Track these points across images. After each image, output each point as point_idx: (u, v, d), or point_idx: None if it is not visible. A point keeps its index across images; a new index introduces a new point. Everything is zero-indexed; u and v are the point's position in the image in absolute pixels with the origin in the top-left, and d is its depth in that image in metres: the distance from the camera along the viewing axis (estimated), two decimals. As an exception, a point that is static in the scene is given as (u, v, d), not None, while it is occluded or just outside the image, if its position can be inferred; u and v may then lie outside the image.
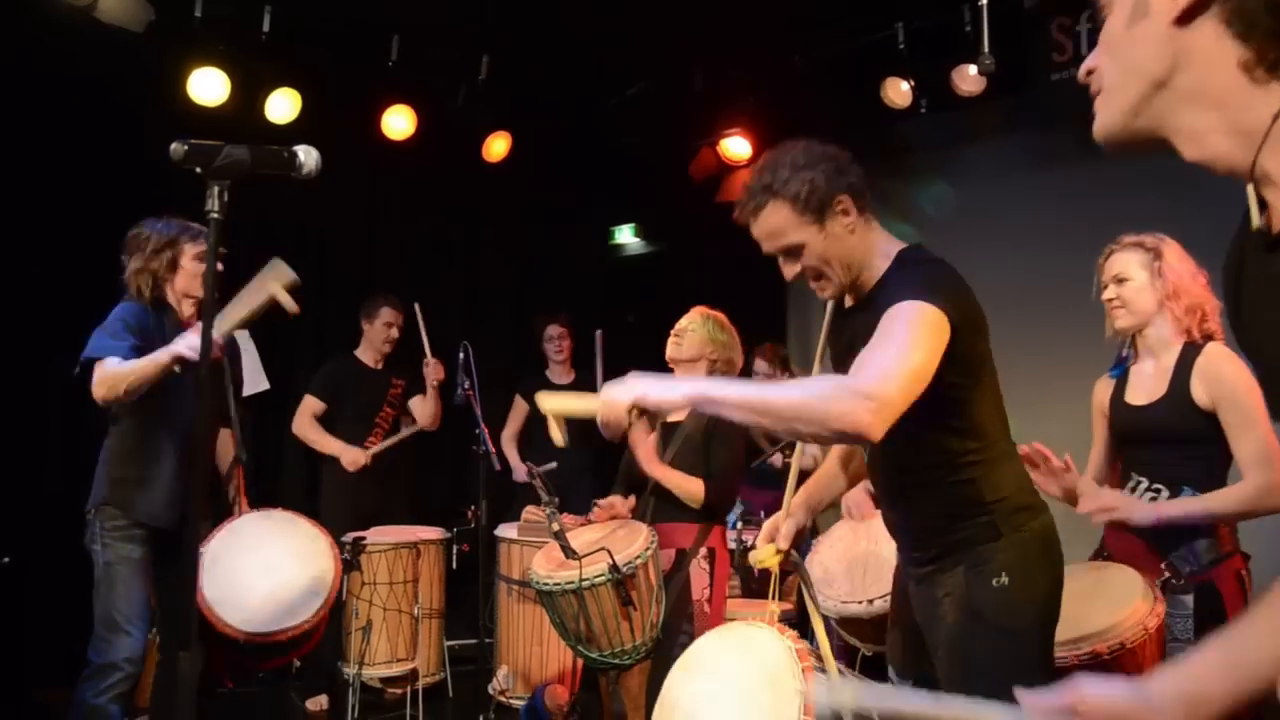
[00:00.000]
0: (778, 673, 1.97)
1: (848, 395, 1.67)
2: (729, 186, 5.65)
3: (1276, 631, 1.05)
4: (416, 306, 4.65)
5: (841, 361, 2.11)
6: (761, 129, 5.31)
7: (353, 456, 4.62)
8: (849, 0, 4.52)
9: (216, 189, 1.70)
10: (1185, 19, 0.93)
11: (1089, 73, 1.04)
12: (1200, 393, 2.51)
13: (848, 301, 2.12)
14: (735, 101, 5.31)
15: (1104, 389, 2.82)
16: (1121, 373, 2.77)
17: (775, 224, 1.98)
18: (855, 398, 1.67)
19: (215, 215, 1.72)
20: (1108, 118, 1.01)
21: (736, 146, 5.52)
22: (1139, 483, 2.63)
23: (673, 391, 1.78)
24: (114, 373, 2.98)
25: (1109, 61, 1.00)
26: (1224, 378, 2.48)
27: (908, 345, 1.76)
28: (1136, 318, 2.63)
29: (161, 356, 2.94)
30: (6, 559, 4.18)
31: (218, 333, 2.77)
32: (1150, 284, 2.60)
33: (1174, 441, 2.55)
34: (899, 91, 4.72)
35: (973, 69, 4.41)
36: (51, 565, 4.19)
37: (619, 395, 1.77)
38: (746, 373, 4.94)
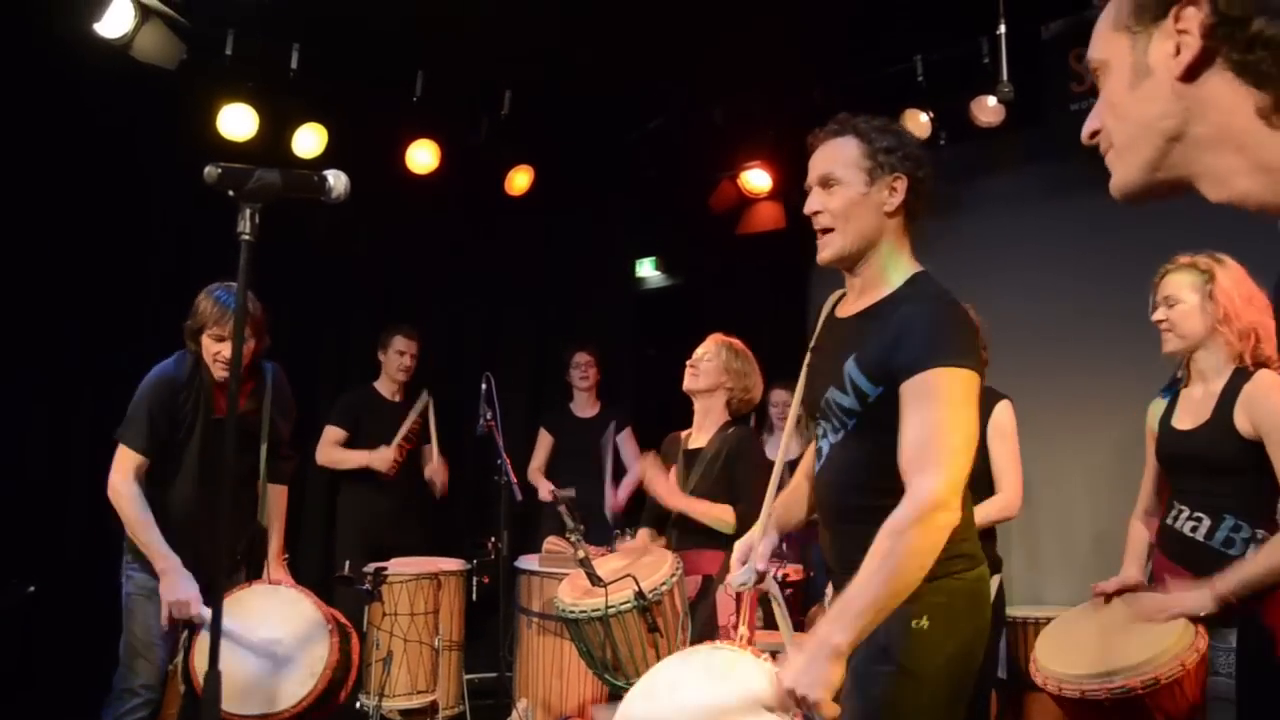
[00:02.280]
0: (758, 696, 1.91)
1: (927, 527, 1.74)
2: (750, 219, 5.68)
3: None
4: (429, 404, 4.71)
5: (820, 370, 2.09)
6: (782, 161, 5.35)
7: (382, 456, 4.68)
8: (868, 33, 4.56)
9: (248, 211, 1.73)
10: (1190, 76, 0.94)
11: (1093, 135, 1.05)
12: (1243, 420, 2.46)
13: (843, 310, 2.11)
14: (755, 134, 5.34)
15: (1155, 411, 2.76)
16: (1172, 395, 2.71)
17: (836, 153, 2.00)
18: (932, 520, 1.74)
19: (247, 237, 1.75)
20: (1125, 176, 1.02)
21: (757, 179, 5.55)
22: (1180, 511, 2.58)
23: (831, 673, 1.69)
24: (123, 499, 3.09)
25: (1115, 122, 1.01)
26: (1269, 406, 2.43)
27: (949, 425, 1.79)
28: (1185, 341, 2.59)
29: (160, 575, 3.03)
30: (31, 588, 4.21)
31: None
32: (1201, 307, 2.55)
33: (1216, 470, 2.51)
34: (918, 123, 4.74)
35: (991, 100, 4.44)
36: (75, 595, 4.22)
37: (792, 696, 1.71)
38: (765, 405, 4.93)
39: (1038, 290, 4.83)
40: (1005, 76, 3.78)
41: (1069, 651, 2.50)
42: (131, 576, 3.24)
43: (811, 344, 2.18)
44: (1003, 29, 3.70)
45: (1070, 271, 4.77)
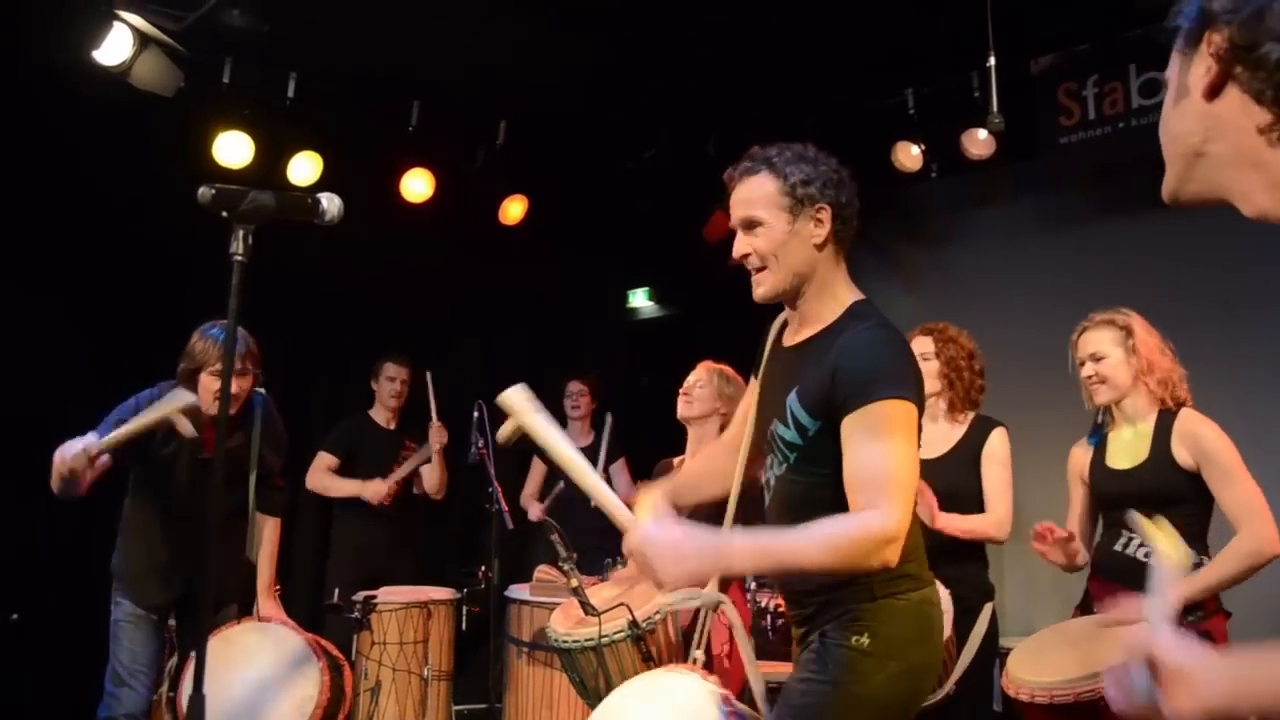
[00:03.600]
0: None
1: (872, 545, 1.73)
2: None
3: None
4: (428, 375, 4.69)
5: (766, 402, 2.08)
6: (774, 193, 5.38)
7: (374, 488, 4.64)
8: (860, 65, 4.61)
9: (241, 232, 1.73)
10: (1210, 95, 1.02)
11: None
12: (1182, 454, 2.70)
13: (787, 337, 2.10)
14: (749, 165, 5.38)
15: (1082, 455, 3.02)
16: (1099, 440, 2.96)
17: (754, 193, 1.98)
18: (879, 545, 1.73)
19: (240, 258, 1.75)
20: (1166, 184, 1.11)
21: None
22: (1129, 539, 2.77)
23: (689, 570, 1.71)
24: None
25: (1161, 135, 1.11)
26: (1203, 437, 2.69)
27: (896, 459, 1.78)
28: (1116, 391, 2.83)
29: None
30: (15, 616, 4.16)
31: (101, 446, 2.81)
32: (1125, 360, 2.81)
33: (1159, 502, 2.63)
34: (909, 155, 4.79)
35: (982, 133, 4.49)
36: (61, 623, 4.17)
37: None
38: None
39: (1030, 321, 4.84)
40: (996, 105, 3.83)
41: (1040, 662, 2.59)
42: (119, 603, 3.23)
43: (759, 375, 2.17)
44: (992, 61, 3.74)
45: (1061, 302, 4.77)
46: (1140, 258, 4.37)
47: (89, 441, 2.82)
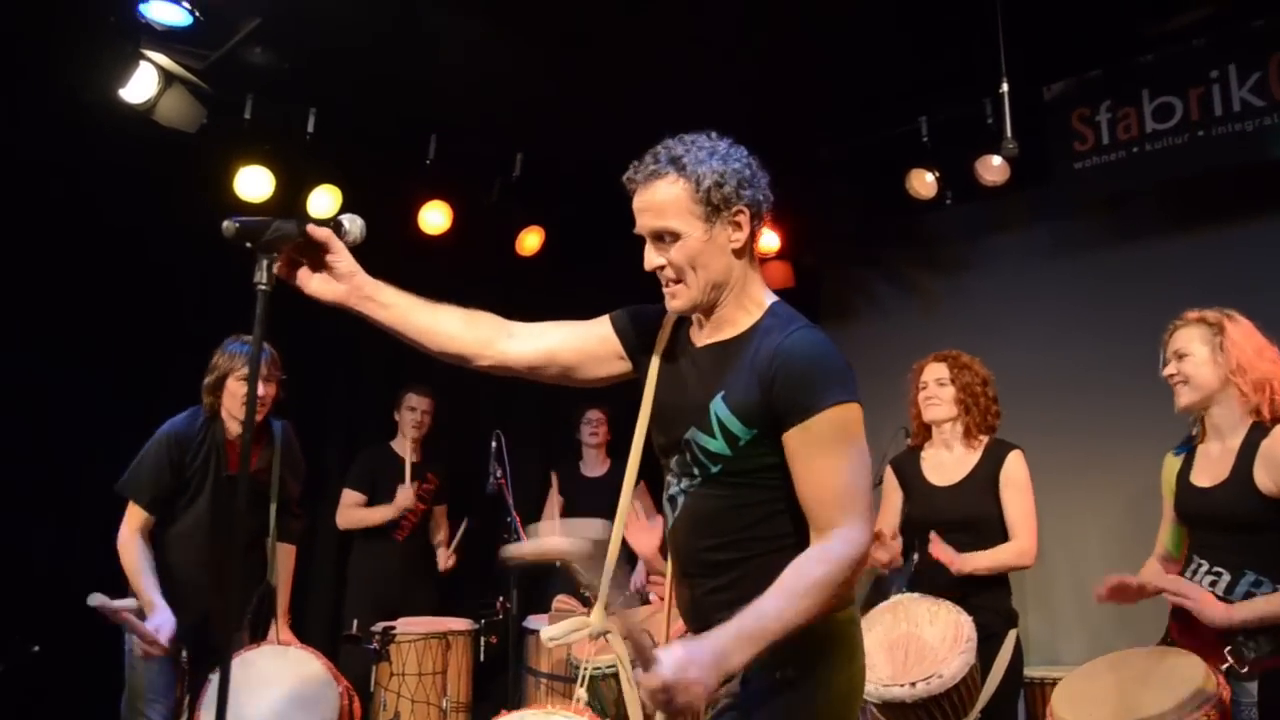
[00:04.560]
0: None
1: (852, 571, 1.67)
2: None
3: None
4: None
5: (675, 407, 1.89)
6: (788, 220, 5.40)
7: (404, 494, 4.72)
8: (873, 93, 4.64)
9: (265, 262, 1.75)
10: None
11: None
12: (1263, 477, 2.45)
13: (696, 336, 1.92)
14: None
15: (1171, 467, 2.75)
16: (1188, 452, 2.71)
17: (664, 200, 1.80)
18: (856, 568, 1.67)
19: (263, 287, 1.76)
20: None
21: (764, 239, 5.60)
22: (1199, 565, 2.57)
23: (714, 676, 1.54)
24: (124, 550, 3.18)
25: None
26: None
27: (851, 469, 1.71)
28: (1198, 393, 2.58)
29: (147, 614, 3.06)
30: (36, 648, 4.17)
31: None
32: (1212, 359, 2.55)
33: (1236, 526, 2.49)
34: (924, 183, 4.80)
35: (996, 159, 4.50)
36: (79, 654, 4.17)
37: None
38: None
39: (1045, 347, 4.83)
40: (1009, 131, 3.85)
41: (1087, 703, 2.48)
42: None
43: (656, 370, 1.96)
44: (1005, 87, 3.76)
45: (1077, 328, 4.78)
46: (1155, 283, 4.35)
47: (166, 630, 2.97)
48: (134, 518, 3.17)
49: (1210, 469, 2.59)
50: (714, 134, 1.87)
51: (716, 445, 1.79)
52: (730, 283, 1.84)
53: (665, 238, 1.82)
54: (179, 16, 3.79)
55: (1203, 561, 2.55)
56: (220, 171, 4.57)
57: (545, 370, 2.15)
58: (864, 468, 1.74)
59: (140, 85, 4.07)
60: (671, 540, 1.92)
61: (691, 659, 1.52)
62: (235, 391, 3.21)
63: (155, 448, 3.22)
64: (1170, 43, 4.11)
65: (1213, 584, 2.49)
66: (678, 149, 1.82)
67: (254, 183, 4.62)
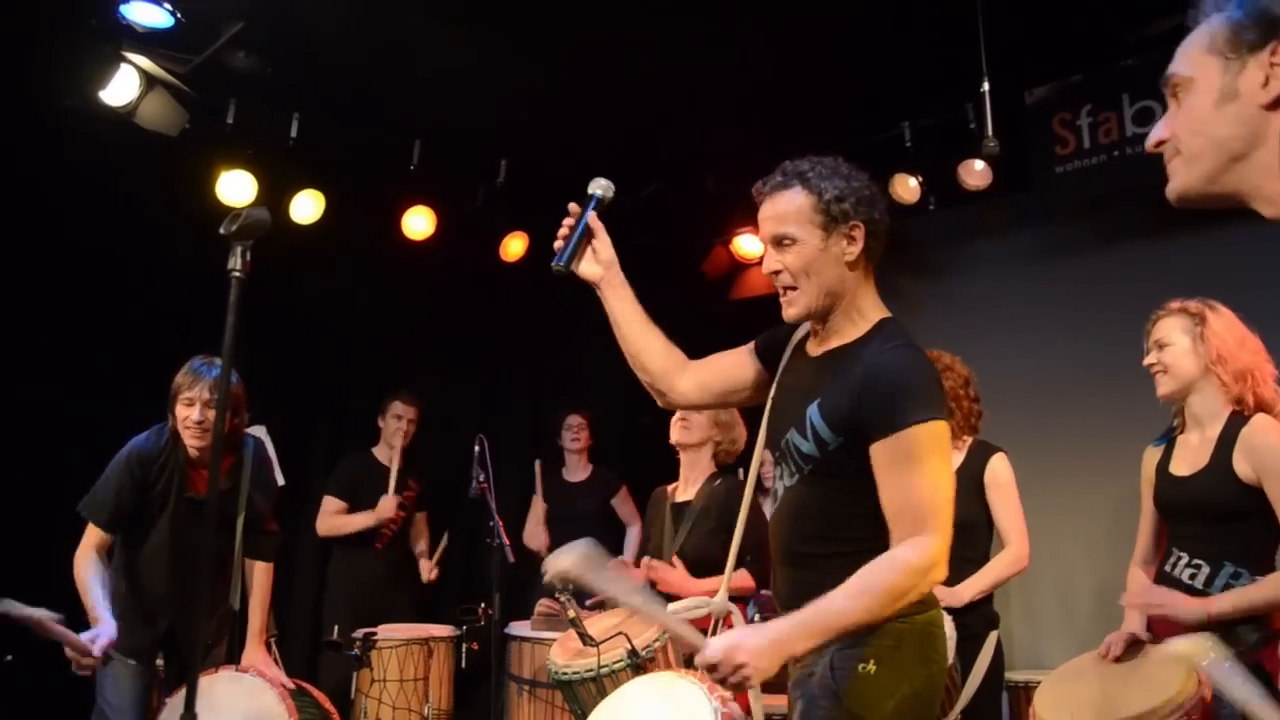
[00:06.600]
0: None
1: (918, 578, 1.76)
2: (743, 284, 5.73)
3: None
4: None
5: (783, 409, 2.04)
6: (773, 227, 5.42)
7: (385, 503, 4.67)
8: (857, 99, 4.66)
9: (239, 249, 1.75)
10: (1275, 105, 1.04)
11: (1159, 143, 1.16)
12: (1243, 465, 2.45)
13: (810, 347, 2.06)
14: (747, 200, 5.37)
15: (1151, 459, 2.76)
16: (1167, 442, 2.72)
17: (787, 208, 1.94)
18: (922, 576, 1.76)
19: (238, 274, 1.77)
20: (1185, 182, 1.13)
21: (749, 245, 5.62)
22: (1179, 558, 2.56)
23: (768, 660, 1.69)
24: (77, 569, 3.05)
25: (1189, 136, 1.12)
26: (1268, 449, 2.42)
27: (931, 484, 1.79)
28: (1178, 382, 2.60)
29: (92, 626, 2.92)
30: (9, 657, 4.12)
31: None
32: (1192, 349, 2.56)
33: (1215, 516, 2.50)
34: (907, 188, 4.82)
35: (979, 163, 4.52)
36: (51, 665, 4.11)
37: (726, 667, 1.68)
38: (748, 455, 4.91)
39: (1028, 351, 4.85)
40: (990, 133, 3.87)
41: (1070, 703, 2.47)
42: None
43: (777, 378, 2.11)
44: (986, 86, 3.78)
45: (1059, 331, 4.80)
46: (1137, 285, 4.36)
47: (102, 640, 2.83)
48: (90, 535, 3.10)
49: (1189, 458, 2.59)
50: (840, 160, 2.02)
51: (808, 447, 1.92)
52: (843, 293, 1.96)
53: (784, 242, 1.95)
54: (160, 18, 3.78)
55: (1182, 554, 2.55)
56: (202, 176, 4.55)
57: (710, 404, 2.46)
58: (945, 482, 1.83)
59: (122, 88, 4.06)
60: (772, 530, 2.06)
61: (739, 644, 1.67)
62: (180, 415, 3.11)
63: (117, 466, 3.13)
64: (1150, 47, 4.14)
65: (1192, 576, 2.49)
66: (803, 165, 1.98)
67: (236, 187, 4.61)
